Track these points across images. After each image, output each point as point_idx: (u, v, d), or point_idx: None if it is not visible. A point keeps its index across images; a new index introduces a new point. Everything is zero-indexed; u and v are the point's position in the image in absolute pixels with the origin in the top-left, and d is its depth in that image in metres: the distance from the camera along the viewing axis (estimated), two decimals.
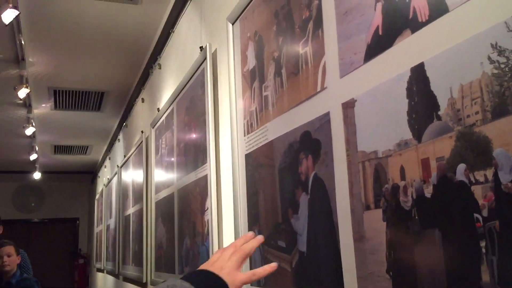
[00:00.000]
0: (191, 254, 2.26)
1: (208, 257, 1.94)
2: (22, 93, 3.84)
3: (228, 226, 1.84)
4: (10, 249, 3.91)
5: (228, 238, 1.83)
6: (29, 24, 3.11)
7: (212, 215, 1.94)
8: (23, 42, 3.31)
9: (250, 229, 1.60)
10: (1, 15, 2.54)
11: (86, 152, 7.13)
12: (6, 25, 2.67)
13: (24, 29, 3.14)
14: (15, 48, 3.45)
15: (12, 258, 3.93)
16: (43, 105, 4.81)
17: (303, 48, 1.31)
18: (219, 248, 1.91)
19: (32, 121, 4.96)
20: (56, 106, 4.85)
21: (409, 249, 0.90)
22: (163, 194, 2.87)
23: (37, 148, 6.24)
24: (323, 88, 1.20)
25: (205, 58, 2.12)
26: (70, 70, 4.00)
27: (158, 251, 2.98)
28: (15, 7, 2.60)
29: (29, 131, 5.03)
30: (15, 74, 3.90)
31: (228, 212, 1.85)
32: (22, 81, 3.87)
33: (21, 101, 4.56)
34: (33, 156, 6.40)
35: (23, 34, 3.18)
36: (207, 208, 2.02)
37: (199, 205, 2.15)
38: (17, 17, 2.69)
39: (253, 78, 1.63)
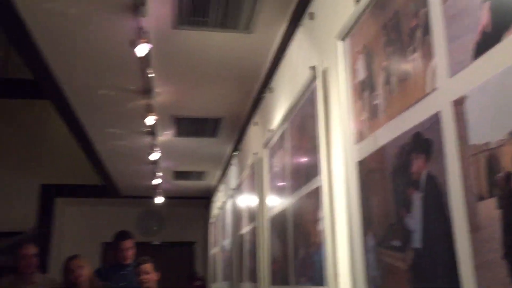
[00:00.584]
0: (306, 264, 2.35)
1: (322, 266, 2.03)
2: (150, 120, 4.26)
3: (341, 233, 1.91)
4: (148, 266, 4.26)
5: (342, 244, 1.90)
6: (157, 57, 3.49)
7: (325, 224, 2.02)
8: (152, 75, 3.70)
9: (364, 233, 1.67)
10: (135, 49, 2.90)
11: (202, 178, 7.56)
12: (140, 58, 3.04)
13: (153, 62, 3.52)
14: (144, 80, 3.87)
15: (150, 275, 4.28)
16: (166, 132, 5.26)
17: (411, 55, 1.38)
18: (333, 256, 1.98)
19: (156, 147, 5.43)
20: (178, 133, 5.28)
21: None
22: (277, 209, 3.00)
23: (160, 174, 6.77)
24: (433, 90, 1.26)
25: (315, 76, 2.25)
26: (190, 99, 4.37)
27: (272, 265, 3.11)
28: (147, 42, 2.95)
29: (154, 156, 5.50)
30: (143, 104, 4.34)
31: (341, 220, 1.92)
32: (150, 110, 4.29)
33: (147, 129, 5.03)
34: (157, 181, 6.94)
35: (152, 66, 3.57)
36: (321, 218, 2.11)
37: (312, 215, 2.24)
38: (149, 51, 3.04)
39: (363, 88, 1.72)
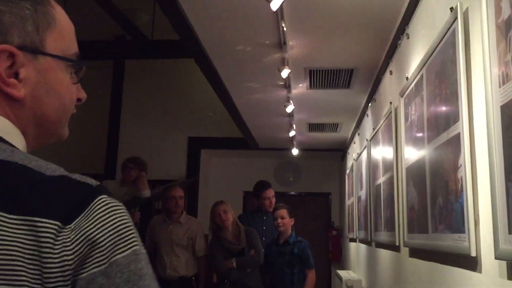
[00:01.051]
0: (444, 212, 2.32)
1: (462, 214, 2.00)
2: (285, 73, 4.40)
3: (482, 180, 1.86)
4: (283, 212, 4.55)
5: (483, 191, 1.85)
6: (290, 10, 3.56)
7: (466, 171, 1.97)
8: (285, 28, 3.79)
9: (507, 179, 1.61)
10: (270, 3, 2.99)
11: (336, 130, 7.60)
12: (274, 12, 3.13)
13: (286, 15, 3.59)
14: (278, 34, 3.97)
15: (285, 220, 4.57)
16: (300, 85, 5.36)
17: None
18: (474, 203, 1.94)
19: (291, 100, 5.57)
20: (311, 86, 5.35)
21: None
22: (413, 158, 2.96)
23: (294, 126, 6.96)
24: None
25: (456, 18, 2.14)
26: (323, 51, 4.39)
27: (409, 214, 3.10)
28: None
29: (289, 109, 5.67)
30: (278, 58, 4.47)
31: (482, 167, 1.86)
32: (283, 63, 4.42)
33: (282, 82, 5.18)
34: (292, 133, 7.16)
35: (285, 20, 3.65)
36: (460, 165, 2.06)
37: (452, 163, 2.19)
38: (281, 4, 3.12)
39: (508, 27, 1.61)
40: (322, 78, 5.12)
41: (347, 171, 7.82)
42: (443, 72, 2.38)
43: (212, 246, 4.58)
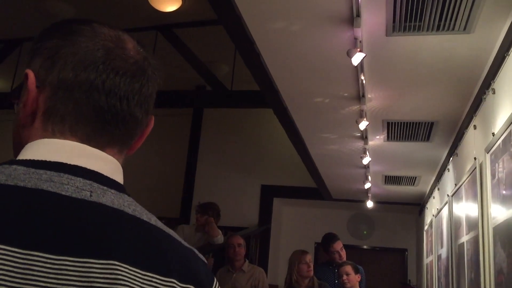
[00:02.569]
0: None
1: None
2: (363, 125, 4.39)
3: None
4: (348, 268, 4.45)
5: None
6: (370, 64, 3.59)
7: None
8: (364, 81, 3.82)
9: None
10: (352, 59, 3.05)
11: (414, 183, 7.37)
12: (355, 66, 3.18)
13: (365, 68, 3.63)
14: (357, 86, 4.01)
15: (350, 276, 4.46)
16: (377, 137, 5.31)
17: None
18: None
19: (367, 151, 5.52)
20: (388, 138, 5.28)
21: None
22: (502, 218, 2.81)
23: (370, 178, 6.83)
24: None
25: None
26: (402, 103, 4.35)
27: (497, 277, 2.91)
28: (361, 51, 3.08)
29: (365, 160, 5.61)
30: (356, 110, 4.48)
31: None
32: (361, 115, 4.42)
33: (359, 134, 5.16)
34: (367, 185, 7.03)
35: (364, 73, 3.68)
36: None
37: None
38: (362, 59, 3.17)
39: None
40: (400, 130, 5.04)
41: (426, 227, 7.49)
42: None
43: None
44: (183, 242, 0.74)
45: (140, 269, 0.63)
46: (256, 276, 4.87)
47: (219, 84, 8.02)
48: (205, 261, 0.76)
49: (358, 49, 3.06)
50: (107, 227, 0.64)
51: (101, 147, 0.72)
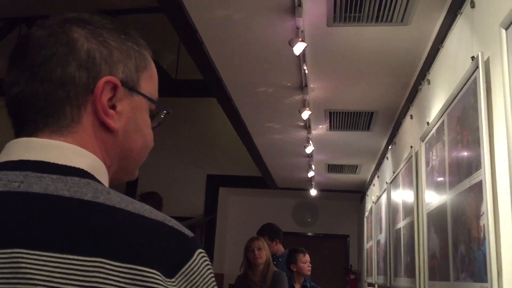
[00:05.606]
0: (466, 260, 2.29)
1: (485, 263, 1.97)
2: (305, 115, 4.45)
3: (505, 228, 1.84)
4: (308, 256, 4.46)
5: (506, 240, 1.83)
6: (312, 54, 3.64)
7: (488, 219, 1.96)
8: (306, 71, 3.87)
9: None
10: (293, 48, 3.07)
11: (355, 171, 7.57)
12: (297, 56, 3.21)
13: (308, 58, 3.68)
14: (299, 76, 4.05)
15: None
16: (320, 126, 5.40)
17: None
18: (496, 252, 1.91)
19: (310, 141, 5.61)
20: (330, 127, 5.39)
21: None
22: (435, 204, 2.94)
23: (313, 167, 6.96)
24: None
25: (477, 67, 2.17)
26: (344, 93, 4.45)
27: (431, 261, 3.05)
28: (303, 41, 3.11)
29: (309, 149, 5.70)
30: (299, 99, 4.54)
31: (505, 215, 1.85)
32: (304, 105, 4.48)
33: (302, 123, 5.23)
34: (311, 174, 7.16)
35: (307, 63, 3.73)
36: (483, 213, 2.04)
37: (474, 210, 2.18)
38: (304, 49, 3.20)
39: None
40: (342, 120, 5.16)
41: (366, 214, 7.74)
42: (464, 119, 2.39)
43: (236, 283, 4.50)
44: (148, 215, 0.68)
45: (53, 252, 0.61)
46: None
47: (163, 72, 7.89)
48: (186, 234, 0.69)
49: (300, 39, 3.09)
50: (21, 215, 0.63)
51: (37, 134, 0.72)
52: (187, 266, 0.66)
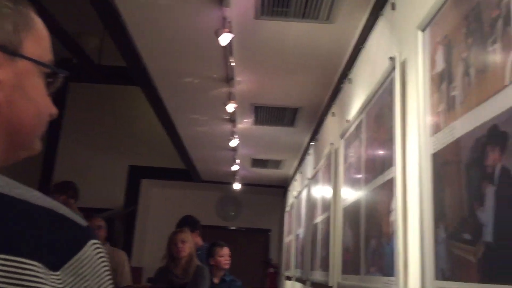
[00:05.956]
0: (376, 254, 2.36)
1: (393, 258, 2.04)
2: (230, 108, 4.42)
3: (413, 225, 1.91)
4: (228, 250, 4.40)
5: (413, 236, 1.90)
6: (239, 46, 3.61)
7: (397, 215, 2.02)
8: (233, 63, 3.83)
9: (435, 225, 1.66)
10: (219, 38, 3.02)
11: (279, 167, 7.67)
12: (223, 47, 3.17)
13: (235, 51, 3.64)
14: (226, 69, 4.01)
15: (230, 258, 4.41)
16: (246, 120, 5.40)
17: (491, 46, 1.36)
18: (404, 248, 1.98)
19: (235, 134, 5.60)
20: (256, 121, 5.41)
21: None
22: (350, 200, 3.02)
23: (238, 161, 6.96)
24: (511, 82, 1.24)
25: (394, 67, 2.24)
26: (270, 88, 4.46)
27: (344, 254, 3.13)
28: (230, 32, 3.07)
29: (233, 143, 5.68)
30: (225, 92, 4.50)
31: (413, 212, 1.92)
32: (230, 98, 4.44)
33: (227, 117, 5.20)
34: (235, 168, 7.16)
35: (234, 55, 3.69)
36: (393, 209, 2.11)
37: (385, 206, 2.25)
38: (231, 40, 3.17)
39: (441, 80, 1.70)
40: (268, 115, 5.19)
41: (287, 208, 7.87)
42: (381, 117, 2.46)
43: (156, 275, 4.36)
44: (34, 201, 0.61)
45: None
46: (116, 260, 4.68)
47: (86, 57, 7.54)
48: (77, 223, 0.63)
49: (227, 30, 3.05)
50: None
51: None
52: (75, 258, 0.61)
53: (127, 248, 7.49)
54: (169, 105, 5.06)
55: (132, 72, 4.38)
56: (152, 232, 9.07)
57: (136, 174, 8.58)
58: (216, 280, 4.42)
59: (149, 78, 4.29)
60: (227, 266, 4.36)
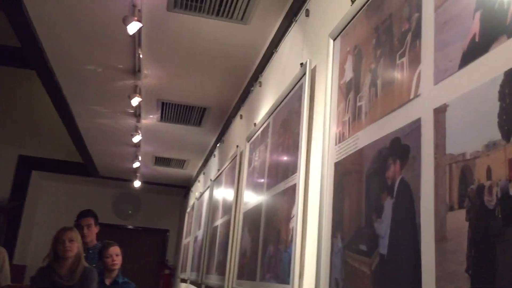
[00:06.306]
0: (273, 261, 2.33)
1: (289, 265, 2.01)
2: (135, 101, 4.21)
3: (312, 233, 1.89)
4: (118, 249, 4.13)
5: (311, 244, 1.88)
6: (148, 38, 3.44)
7: (297, 222, 2.00)
8: (141, 55, 3.65)
9: (333, 234, 1.65)
10: (127, 26, 2.85)
11: (183, 166, 7.51)
12: (131, 36, 2.99)
13: (143, 42, 3.47)
14: (133, 60, 3.81)
15: (119, 257, 4.14)
16: (151, 116, 5.20)
17: (399, 59, 1.37)
18: (301, 255, 1.96)
19: (139, 130, 5.37)
20: (162, 118, 5.22)
21: (490, 247, 0.90)
22: (252, 204, 2.98)
23: (140, 158, 6.70)
24: (416, 95, 1.25)
25: (304, 74, 2.23)
26: (178, 85, 4.32)
27: (241, 259, 3.08)
28: (139, 20, 2.90)
29: (136, 139, 5.44)
30: (131, 84, 4.28)
31: (313, 219, 1.90)
32: (135, 91, 4.24)
33: (132, 111, 4.97)
34: (136, 165, 6.88)
35: (142, 47, 3.51)
36: (293, 216, 2.09)
37: (286, 213, 2.22)
38: (139, 30, 3.00)
39: (349, 89, 1.70)
40: (175, 112, 5.03)
41: (188, 209, 7.73)
42: (288, 123, 2.45)
43: (36, 276, 3.98)
44: None
45: None
46: None
47: None
48: None
49: (136, 18, 2.88)
50: None
51: None
52: None
53: (10, 244, 6.90)
54: (67, 93, 4.72)
55: (27, 53, 4.02)
56: (39, 228, 8.43)
57: (26, 165, 7.95)
58: (107, 282, 4.17)
59: (45, 61, 3.96)
60: (115, 267, 4.11)
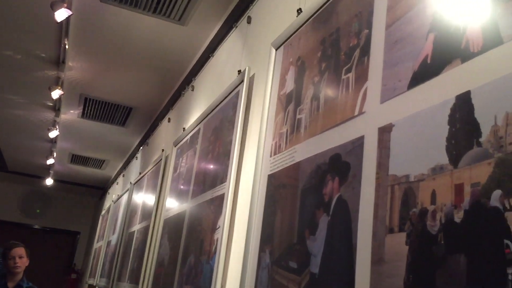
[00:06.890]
0: (193, 272, 2.23)
1: (211, 277, 1.92)
2: (56, 94, 3.94)
3: (238, 245, 1.82)
4: (21, 250, 3.81)
5: (236, 257, 1.81)
6: (76, 28, 3.23)
7: (223, 233, 1.92)
8: (67, 46, 3.42)
9: (261, 249, 1.59)
10: (55, 13, 2.65)
11: (101, 167, 7.18)
12: (58, 23, 2.78)
13: (71, 32, 3.25)
14: (58, 50, 3.57)
15: (23, 260, 3.83)
16: (72, 111, 4.91)
17: (345, 74, 1.34)
18: (224, 268, 1.88)
19: (57, 125, 5.04)
20: (83, 114, 4.95)
21: (430, 274, 0.88)
22: (175, 211, 2.86)
23: (55, 154, 6.31)
24: (361, 113, 1.22)
25: (242, 81, 2.17)
26: (105, 80, 4.11)
27: (158, 268, 2.94)
28: (69, 8, 2.71)
29: (52, 134, 5.11)
30: (53, 76, 4.01)
31: (240, 231, 1.83)
32: (57, 83, 3.97)
33: (51, 104, 4.66)
34: (50, 161, 6.47)
35: (69, 37, 3.29)
36: (219, 227, 2.01)
37: (211, 223, 2.14)
38: (68, 19, 2.80)
39: (289, 101, 1.66)
40: (98, 109, 4.79)
41: (103, 212, 7.38)
42: (220, 130, 2.37)
43: None
44: None
45: None
46: None
47: None
48: None
49: (65, 5, 2.69)
50: None
51: None
52: None
53: None
54: None
55: None
56: None
57: None
58: (10, 286, 3.84)
59: None
60: (17, 270, 3.79)
